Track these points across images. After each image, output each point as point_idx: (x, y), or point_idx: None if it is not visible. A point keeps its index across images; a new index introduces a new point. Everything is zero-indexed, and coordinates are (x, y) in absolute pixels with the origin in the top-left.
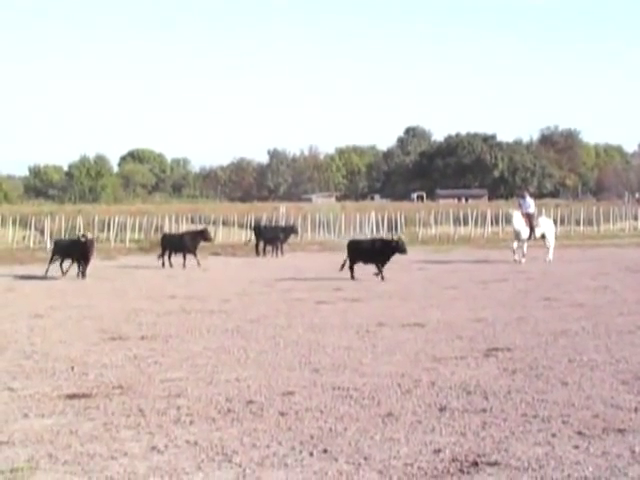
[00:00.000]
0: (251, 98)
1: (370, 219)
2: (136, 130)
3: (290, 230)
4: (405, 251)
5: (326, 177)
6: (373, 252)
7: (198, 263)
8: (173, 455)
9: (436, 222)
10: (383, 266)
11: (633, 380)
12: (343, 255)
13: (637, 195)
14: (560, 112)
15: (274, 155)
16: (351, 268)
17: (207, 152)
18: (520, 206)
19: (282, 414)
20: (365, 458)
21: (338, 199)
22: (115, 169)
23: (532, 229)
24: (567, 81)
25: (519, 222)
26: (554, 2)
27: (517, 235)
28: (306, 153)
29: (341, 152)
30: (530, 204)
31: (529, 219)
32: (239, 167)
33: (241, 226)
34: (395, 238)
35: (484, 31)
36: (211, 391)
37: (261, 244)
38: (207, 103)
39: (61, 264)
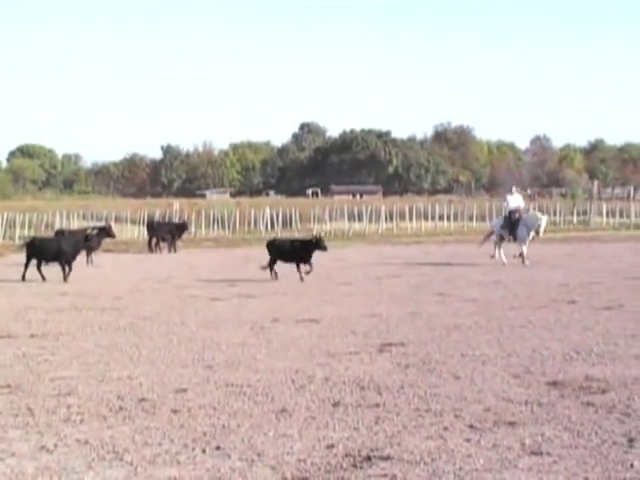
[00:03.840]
0: (143, 93)
1: (265, 215)
2: (25, 125)
3: (182, 227)
4: (325, 248)
5: (220, 173)
6: (293, 251)
7: (90, 261)
8: (63, 454)
9: (331, 218)
10: (305, 264)
11: (524, 374)
12: (240, 252)
13: (529, 191)
14: (453, 109)
15: (167, 151)
16: (271, 267)
17: (99, 148)
18: (508, 204)
19: (174, 411)
20: (258, 454)
21: (232, 195)
22: (4, 164)
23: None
24: (460, 78)
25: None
26: None
27: (524, 234)
28: (200, 149)
29: (235, 148)
30: (518, 201)
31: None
32: (132, 163)
33: (134, 222)
34: (315, 236)
35: (378, 27)
36: (102, 389)
37: (154, 240)
38: (99, 98)
39: None
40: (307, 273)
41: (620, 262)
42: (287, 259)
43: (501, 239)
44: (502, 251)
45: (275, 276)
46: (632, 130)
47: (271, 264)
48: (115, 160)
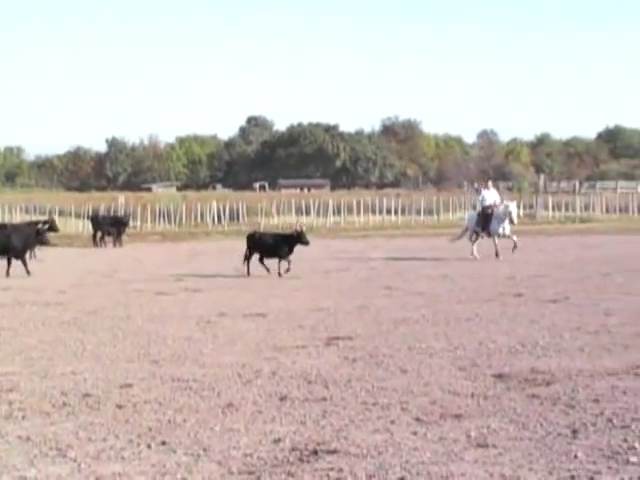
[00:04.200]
0: (88, 86)
1: (212, 209)
2: None
3: (122, 220)
4: (307, 242)
5: (167, 167)
6: (274, 245)
7: (33, 255)
8: (4, 451)
9: (278, 212)
10: (285, 259)
11: (470, 366)
12: (186, 246)
13: (476, 185)
14: (401, 103)
15: (113, 144)
16: (247, 261)
17: (42, 141)
18: (483, 199)
19: (119, 407)
20: (204, 449)
21: (179, 189)
22: None
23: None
24: (408, 72)
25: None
26: None
27: (500, 230)
28: (146, 142)
29: (182, 141)
30: (493, 197)
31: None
32: (76, 156)
33: (78, 216)
34: (296, 229)
35: (325, 19)
36: (45, 385)
37: (99, 234)
38: (42, 90)
39: None
40: (286, 271)
41: (566, 255)
42: (267, 253)
43: (475, 235)
44: (475, 247)
45: (248, 272)
46: (578, 124)
47: (247, 257)
48: (59, 153)
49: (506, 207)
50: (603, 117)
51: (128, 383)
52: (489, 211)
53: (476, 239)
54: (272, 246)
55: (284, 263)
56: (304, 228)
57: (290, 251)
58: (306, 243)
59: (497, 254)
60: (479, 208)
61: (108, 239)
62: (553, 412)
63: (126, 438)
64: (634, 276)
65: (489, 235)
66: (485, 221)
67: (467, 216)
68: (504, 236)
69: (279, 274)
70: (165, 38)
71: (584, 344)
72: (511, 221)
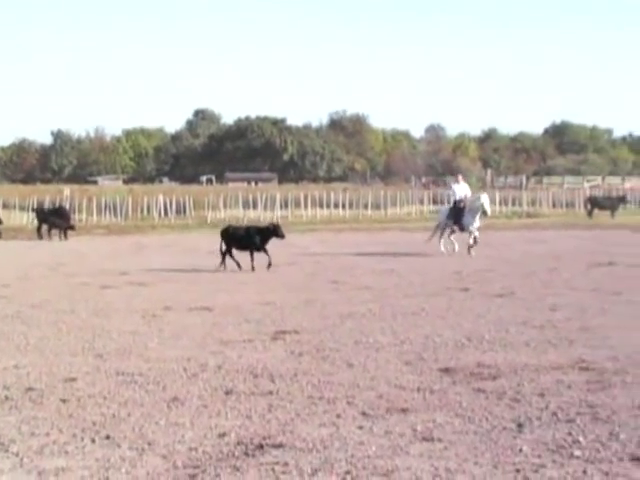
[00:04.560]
0: (33, 77)
1: (158, 202)
2: None
3: (59, 212)
4: (283, 236)
5: (113, 159)
6: (249, 238)
7: None
8: None
9: (225, 206)
10: (260, 252)
11: (416, 360)
12: (132, 239)
13: (424, 179)
14: (349, 97)
15: (58, 136)
16: (223, 255)
17: None
18: (454, 193)
19: (63, 401)
20: (149, 443)
21: (125, 182)
22: None
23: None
24: (355, 66)
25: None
26: None
27: (471, 225)
28: (92, 135)
29: (128, 134)
30: (464, 190)
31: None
32: (20, 148)
33: (23, 209)
34: (272, 222)
35: (272, 12)
36: None
37: (44, 227)
38: None
39: None
40: (269, 266)
41: (512, 250)
42: (242, 247)
43: (447, 230)
44: (443, 241)
45: (224, 266)
46: (525, 120)
47: (223, 252)
48: (3, 145)
49: (478, 199)
50: (550, 113)
51: (72, 377)
52: (461, 205)
53: (450, 234)
54: (246, 239)
55: (265, 257)
56: (279, 221)
57: (263, 244)
58: (282, 236)
59: (470, 249)
60: (450, 202)
61: (54, 232)
62: (499, 406)
63: (70, 432)
64: (580, 271)
65: (462, 229)
66: (457, 215)
67: (439, 211)
68: (478, 229)
69: (252, 268)
70: (112, 30)
71: (530, 338)
72: (484, 213)
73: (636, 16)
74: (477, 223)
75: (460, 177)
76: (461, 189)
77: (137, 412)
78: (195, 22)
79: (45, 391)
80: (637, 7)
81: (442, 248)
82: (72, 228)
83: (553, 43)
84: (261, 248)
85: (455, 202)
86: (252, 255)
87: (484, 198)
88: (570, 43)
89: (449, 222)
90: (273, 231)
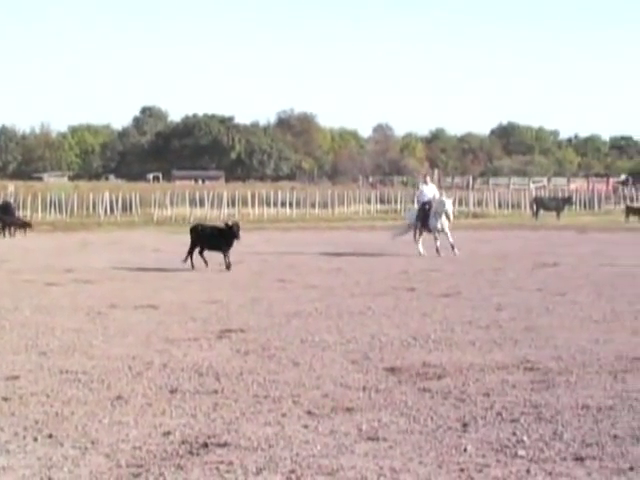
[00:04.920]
0: None
1: (104, 199)
2: None
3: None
4: (238, 237)
5: (58, 156)
6: (218, 237)
7: None
8: None
9: (172, 203)
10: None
11: (362, 359)
12: (78, 236)
13: (371, 179)
14: (297, 96)
15: (2, 132)
16: (190, 254)
17: None
18: (421, 194)
19: (5, 399)
20: (92, 442)
21: (71, 179)
22: None
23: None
24: (303, 65)
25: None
26: None
27: (438, 225)
28: (37, 130)
29: (74, 130)
30: (433, 191)
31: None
32: None
33: None
34: (227, 222)
35: (221, 9)
36: None
37: None
38: None
39: None
40: (227, 267)
41: (458, 250)
42: (211, 246)
43: (418, 231)
44: (420, 243)
45: (192, 265)
46: (472, 120)
47: (191, 251)
48: None
49: (442, 203)
50: (497, 114)
51: (15, 375)
52: (427, 207)
53: (420, 235)
54: (215, 238)
55: (221, 257)
56: (238, 221)
57: (228, 244)
58: (237, 238)
59: (437, 250)
60: (418, 204)
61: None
62: (444, 406)
63: (12, 431)
64: (525, 271)
65: (429, 231)
66: (424, 217)
67: (407, 212)
68: (442, 232)
69: (227, 267)
70: (59, 24)
71: (475, 338)
72: (447, 217)
73: (584, 18)
74: (446, 225)
75: (428, 178)
76: (429, 190)
77: (80, 410)
78: (143, 18)
79: None
80: (584, 9)
81: (420, 249)
82: (28, 225)
83: (500, 44)
84: (229, 247)
85: (422, 204)
86: (224, 254)
87: (448, 203)
88: (517, 44)
89: (417, 224)
90: (229, 231)
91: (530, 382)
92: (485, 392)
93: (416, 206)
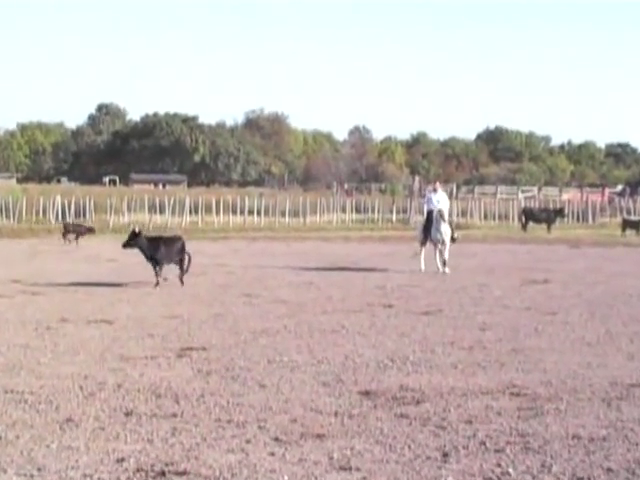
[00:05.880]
0: None
1: (55, 204)
2: None
3: None
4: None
5: (6, 156)
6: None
7: None
8: None
9: (129, 209)
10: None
11: (334, 382)
12: (26, 243)
13: (346, 186)
14: (266, 94)
15: None
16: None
17: None
18: (429, 202)
19: None
20: (39, 469)
21: (19, 181)
22: None
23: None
24: (274, 61)
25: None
26: None
27: (441, 236)
28: None
29: (24, 128)
30: (443, 200)
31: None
32: None
33: None
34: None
35: (189, 4)
36: None
37: None
38: None
39: None
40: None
41: (448, 269)
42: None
43: (423, 242)
44: (422, 256)
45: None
46: (456, 124)
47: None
48: None
49: (439, 212)
50: (483, 117)
51: None
52: (433, 215)
53: (422, 246)
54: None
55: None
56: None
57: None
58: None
59: (442, 265)
60: (425, 213)
61: None
62: (422, 433)
63: None
64: (513, 288)
65: (432, 242)
66: (428, 227)
67: (415, 223)
68: (443, 242)
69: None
70: (7, 16)
71: (457, 360)
72: (450, 228)
73: (576, 19)
74: (444, 236)
75: (437, 185)
76: (438, 198)
77: (27, 434)
78: (101, 8)
79: None
80: (578, 10)
81: (421, 264)
82: None
83: (487, 42)
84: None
85: (429, 212)
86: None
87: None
88: (505, 43)
89: (422, 235)
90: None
91: (517, 409)
92: (467, 419)
93: (422, 217)
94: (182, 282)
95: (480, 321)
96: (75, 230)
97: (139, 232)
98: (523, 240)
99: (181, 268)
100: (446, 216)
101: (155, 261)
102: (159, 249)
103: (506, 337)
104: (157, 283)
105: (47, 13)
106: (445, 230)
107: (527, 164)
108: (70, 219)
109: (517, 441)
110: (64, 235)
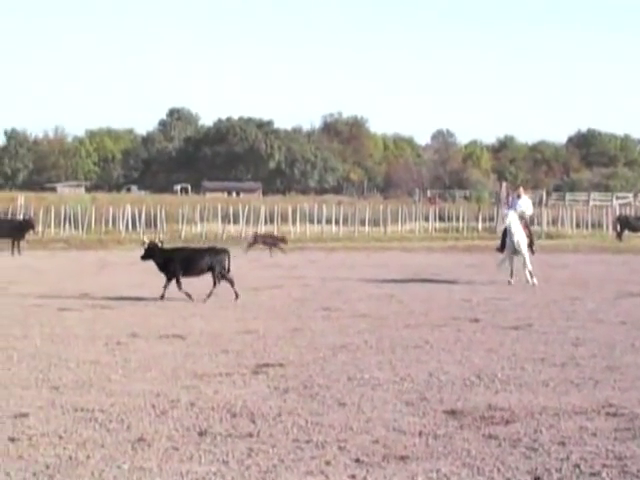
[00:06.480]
0: None
1: (125, 213)
2: None
3: (27, 225)
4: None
5: (74, 164)
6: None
7: None
8: None
9: (202, 219)
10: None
11: (418, 401)
12: (95, 255)
13: (429, 193)
14: (345, 97)
15: (12, 136)
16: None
17: None
18: (511, 207)
19: (12, 440)
20: None
21: (88, 189)
22: None
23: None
24: (353, 63)
25: (517, 227)
26: None
27: (514, 245)
28: (51, 135)
29: (92, 135)
30: (526, 206)
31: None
32: None
33: None
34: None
35: (257, 7)
36: None
37: None
38: None
39: None
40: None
41: (536, 279)
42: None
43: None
44: (511, 267)
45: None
46: (546, 127)
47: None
48: None
49: (517, 215)
50: (575, 120)
51: (23, 412)
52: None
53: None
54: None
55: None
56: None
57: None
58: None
59: (511, 274)
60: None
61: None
62: (512, 455)
63: (19, 476)
64: (607, 301)
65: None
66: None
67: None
68: (517, 252)
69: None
70: (73, 20)
71: (549, 378)
72: (529, 233)
73: None
74: (521, 245)
75: (521, 190)
76: (522, 204)
77: (97, 454)
78: (170, 11)
79: None
80: None
81: (509, 277)
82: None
83: (579, 41)
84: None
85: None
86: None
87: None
88: (598, 41)
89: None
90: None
91: (613, 430)
92: (560, 440)
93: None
94: (208, 296)
95: (573, 336)
96: (266, 242)
97: (153, 244)
98: (618, 250)
99: (215, 282)
100: (523, 221)
101: (168, 273)
102: (172, 262)
103: (601, 353)
104: (162, 296)
105: (116, 16)
106: (519, 240)
107: (622, 169)
108: (141, 229)
109: (614, 464)
110: (250, 245)
